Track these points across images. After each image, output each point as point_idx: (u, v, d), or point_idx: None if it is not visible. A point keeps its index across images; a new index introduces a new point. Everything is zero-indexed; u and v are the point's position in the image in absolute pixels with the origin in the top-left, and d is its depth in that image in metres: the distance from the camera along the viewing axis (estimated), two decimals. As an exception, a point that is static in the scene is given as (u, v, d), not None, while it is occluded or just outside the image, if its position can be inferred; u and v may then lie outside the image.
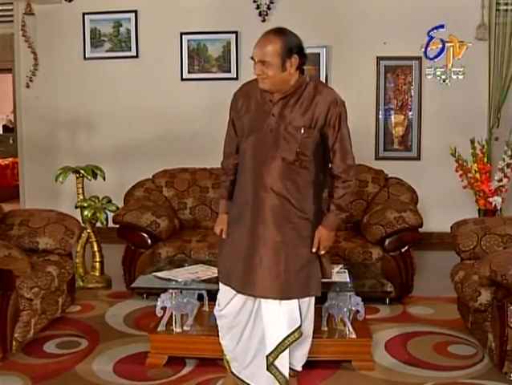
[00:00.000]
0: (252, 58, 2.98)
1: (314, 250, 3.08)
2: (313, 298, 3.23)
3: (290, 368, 3.30)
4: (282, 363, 3.14)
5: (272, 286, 3.01)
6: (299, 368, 3.39)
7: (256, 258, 3.01)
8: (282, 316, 3.06)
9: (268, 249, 3.01)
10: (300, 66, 3.04)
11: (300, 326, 3.12)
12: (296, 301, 3.09)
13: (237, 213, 3.14)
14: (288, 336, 3.09)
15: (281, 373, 3.13)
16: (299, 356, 3.34)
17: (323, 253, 3.11)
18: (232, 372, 3.30)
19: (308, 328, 3.27)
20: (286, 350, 3.12)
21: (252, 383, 3.23)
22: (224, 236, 3.24)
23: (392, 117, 6.80)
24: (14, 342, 3.84)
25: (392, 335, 4.23)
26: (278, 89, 3.01)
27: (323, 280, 3.21)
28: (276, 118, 3.01)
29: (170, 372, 3.69)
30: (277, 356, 3.09)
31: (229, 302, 3.20)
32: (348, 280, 3.91)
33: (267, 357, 3.11)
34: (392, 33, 6.53)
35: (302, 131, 2.98)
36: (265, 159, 3.00)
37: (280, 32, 2.97)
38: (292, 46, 2.96)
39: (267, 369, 3.12)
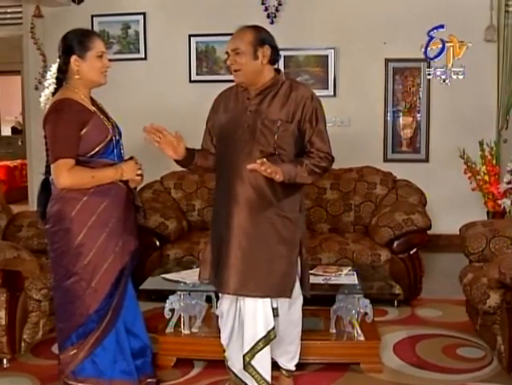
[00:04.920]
0: (226, 53, 3.08)
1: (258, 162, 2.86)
2: (298, 301, 3.24)
3: (283, 368, 3.36)
4: (262, 365, 3.14)
5: (246, 283, 3.03)
6: (292, 367, 3.40)
7: (231, 255, 3.02)
8: (258, 314, 3.07)
9: (243, 244, 3.02)
10: (273, 60, 3.10)
11: (274, 328, 3.11)
12: (269, 301, 3.10)
13: (216, 216, 3.18)
14: (263, 337, 3.09)
15: (261, 375, 3.13)
16: (288, 356, 3.36)
17: (263, 168, 2.84)
18: (229, 368, 3.32)
19: (293, 332, 3.29)
20: (266, 351, 3.12)
21: (245, 380, 3.23)
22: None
23: (401, 119, 6.79)
24: (22, 343, 3.86)
25: (401, 337, 4.22)
26: (252, 81, 3.06)
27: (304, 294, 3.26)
28: (253, 113, 3.05)
29: (178, 374, 3.69)
30: (253, 356, 3.10)
31: (221, 301, 3.26)
32: (356, 282, 3.91)
33: (244, 356, 3.12)
34: (399, 35, 6.52)
35: (279, 124, 3.01)
36: (243, 154, 3.02)
37: (253, 26, 3.11)
38: (264, 38, 3.08)
39: (244, 369, 3.13)
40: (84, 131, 2.99)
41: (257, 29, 3.07)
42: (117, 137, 3.20)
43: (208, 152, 3.28)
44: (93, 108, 3.10)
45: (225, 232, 3.06)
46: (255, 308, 3.07)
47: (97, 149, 3.05)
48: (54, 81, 3.15)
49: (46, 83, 3.23)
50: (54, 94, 3.13)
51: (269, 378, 3.17)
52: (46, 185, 3.16)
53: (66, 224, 3.01)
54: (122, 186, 3.14)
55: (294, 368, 3.40)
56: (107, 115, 3.21)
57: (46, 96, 3.21)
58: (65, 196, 3.02)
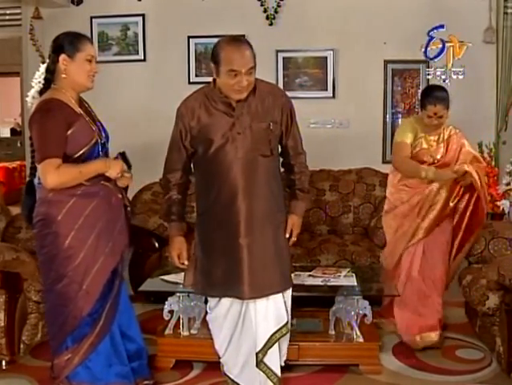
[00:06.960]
0: (233, 70, 2.88)
1: (287, 236, 3.17)
2: (289, 294, 3.24)
3: None
4: (272, 361, 3.15)
5: (265, 284, 3.03)
6: (283, 363, 3.36)
7: (247, 260, 3.00)
8: (270, 312, 3.08)
9: (257, 248, 3.02)
10: None
11: (288, 322, 3.14)
12: (281, 296, 3.12)
13: (216, 224, 3.13)
14: (276, 332, 3.10)
15: (272, 370, 3.14)
16: (281, 353, 3.32)
17: (295, 239, 3.21)
18: (225, 374, 3.29)
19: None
20: (275, 348, 3.13)
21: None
22: (183, 261, 3.24)
23: (400, 120, 6.77)
24: (21, 345, 3.87)
25: (400, 339, 4.21)
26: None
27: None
28: (241, 120, 3.01)
29: (177, 375, 3.70)
30: (266, 352, 3.10)
31: (216, 305, 3.22)
32: (355, 283, 3.91)
33: (257, 354, 3.11)
34: (399, 36, 6.51)
35: (272, 126, 3.04)
36: (242, 160, 3.00)
37: (245, 39, 3.07)
38: None
39: (257, 366, 3.12)
40: (70, 131, 2.96)
41: (248, 42, 3.00)
42: (103, 141, 3.17)
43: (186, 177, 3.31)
44: (79, 110, 3.07)
45: (236, 239, 3.02)
46: (267, 307, 3.07)
47: (81, 152, 3.02)
48: (42, 81, 3.10)
49: (33, 83, 3.18)
50: (41, 94, 3.09)
51: (279, 373, 3.18)
52: (31, 188, 3.13)
53: (53, 227, 2.99)
54: (110, 187, 3.12)
55: (283, 364, 3.35)
56: (93, 118, 3.17)
57: (31, 95, 3.17)
58: (51, 199, 2.99)
